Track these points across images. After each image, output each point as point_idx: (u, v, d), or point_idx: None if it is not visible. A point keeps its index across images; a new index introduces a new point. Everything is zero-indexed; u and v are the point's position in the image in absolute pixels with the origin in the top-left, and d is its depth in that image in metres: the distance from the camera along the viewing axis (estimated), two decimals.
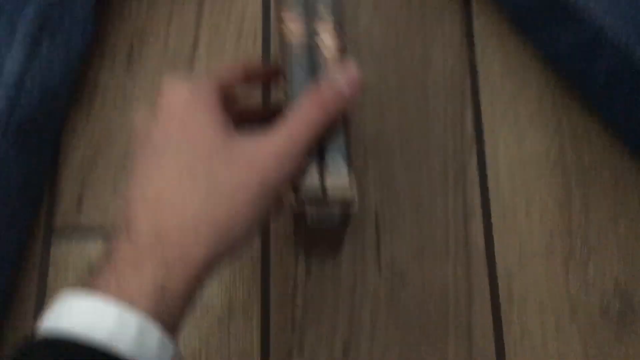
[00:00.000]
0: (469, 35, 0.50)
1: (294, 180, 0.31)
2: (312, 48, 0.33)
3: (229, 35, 0.51)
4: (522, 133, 0.48)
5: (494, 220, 0.46)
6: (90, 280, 0.27)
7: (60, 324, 0.25)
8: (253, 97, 0.48)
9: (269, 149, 0.29)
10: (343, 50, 0.33)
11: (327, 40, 0.33)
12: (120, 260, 0.27)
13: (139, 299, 0.26)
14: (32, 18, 0.43)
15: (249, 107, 0.39)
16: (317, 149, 0.32)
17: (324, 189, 0.31)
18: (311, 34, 0.33)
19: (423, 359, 0.43)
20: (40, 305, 0.44)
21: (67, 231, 0.45)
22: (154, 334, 0.26)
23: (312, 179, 0.31)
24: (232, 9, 0.51)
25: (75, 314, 0.25)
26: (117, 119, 0.49)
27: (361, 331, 0.43)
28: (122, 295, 0.26)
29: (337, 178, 0.31)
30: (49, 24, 0.44)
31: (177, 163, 0.28)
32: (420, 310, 0.44)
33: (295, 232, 0.45)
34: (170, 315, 0.27)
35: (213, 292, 0.44)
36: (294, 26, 0.33)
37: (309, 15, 0.33)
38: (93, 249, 0.45)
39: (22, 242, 0.44)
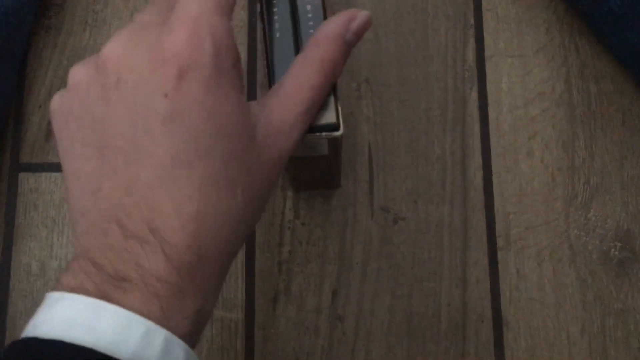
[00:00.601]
0: None
1: None
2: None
3: None
4: (527, 66, 0.44)
5: (493, 158, 0.43)
6: (103, 284, 0.22)
7: (85, 337, 0.21)
8: None
9: (283, 123, 0.25)
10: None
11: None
12: (152, 277, 0.22)
13: (180, 324, 0.22)
14: None
15: None
16: None
17: None
18: None
19: (414, 306, 0.41)
20: (8, 243, 0.41)
21: (34, 166, 0.42)
22: (180, 350, 0.23)
23: None
24: None
25: (101, 327, 0.21)
26: (87, 41, 0.44)
27: (351, 276, 0.41)
28: (163, 321, 0.22)
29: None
30: None
31: (211, 168, 0.23)
32: (413, 254, 0.42)
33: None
34: (198, 330, 0.24)
35: None
36: None
37: None
38: (64, 185, 0.42)
39: None
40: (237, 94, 0.24)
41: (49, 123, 0.43)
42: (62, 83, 0.43)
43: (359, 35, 0.27)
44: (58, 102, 0.26)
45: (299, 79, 0.26)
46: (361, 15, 0.27)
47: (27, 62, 0.44)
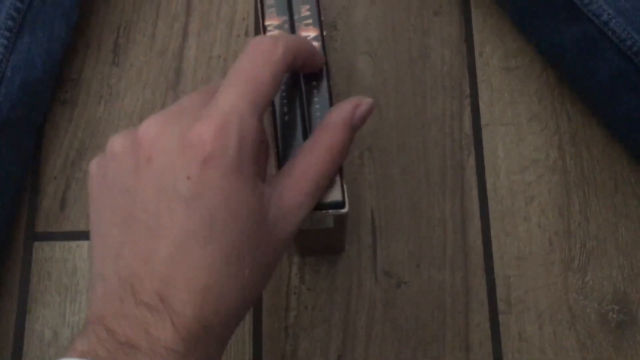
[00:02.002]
0: (467, 31, 0.48)
1: None
2: None
3: (220, 27, 0.49)
4: (522, 133, 0.46)
5: (492, 223, 0.45)
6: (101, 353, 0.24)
7: None
8: None
9: (293, 203, 0.27)
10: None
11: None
12: (161, 346, 0.24)
13: None
14: (13, 6, 0.41)
15: None
16: None
17: None
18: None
19: None
20: (22, 311, 0.42)
21: (49, 235, 0.43)
22: None
23: None
24: (222, 1, 0.49)
25: None
26: (102, 115, 0.47)
27: (356, 339, 0.42)
28: None
29: None
30: (31, 13, 0.42)
31: (223, 247, 0.25)
32: (417, 317, 0.43)
33: None
34: None
35: None
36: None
37: (291, 19, 0.32)
38: (77, 253, 0.43)
39: (1, 245, 0.42)
40: (254, 183, 0.26)
41: (64, 193, 0.44)
42: (78, 155, 0.45)
43: (363, 120, 0.29)
44: (95, 166, 0.28)
45: (309, 163, 0.28)
46: (366, 102, 0.29)
47: (43, 134, 0.46)
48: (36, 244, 0.43)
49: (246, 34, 0.48)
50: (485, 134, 0.46)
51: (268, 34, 0.32)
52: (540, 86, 0.47)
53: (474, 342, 0.42)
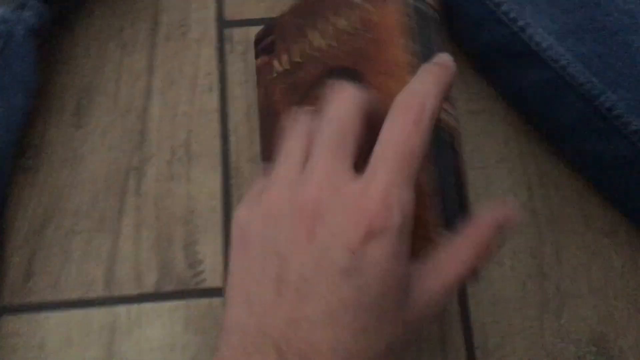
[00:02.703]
0: None
1: None
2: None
3: (183, 84, 0.48)
4: (490, 176, 0.46)
5: None
6: None
7: None
8: None
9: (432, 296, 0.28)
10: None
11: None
12: None
13: None
14: None
15: None
16: None
17: None
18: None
19: None
20: None
21: (15, 307, 0.42)
22: None
23: None
24: (185, 58, 0.49)
25: None
26: (66, 179, 0.46)
27: None
28: None
29: None
30: None
31: (371, 321, 0.26)
32: None
33: None
34: None
35: None
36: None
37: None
38: (45, 326, 0.42)
39: None
40: (408, 260, 0.27)
41: (30, 262, 0.44)
42: (42, 222, 0.45)
43: (510, 227, 0.31)
44: (245, 217, 0.29)
45: (456, 256, 0.29)
46: (514, 208, 0.31)
47: (6, 203, 0.45)
48: (2, 318, 0.42)
49: (210, 90, 0.48)
50: None
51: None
52: (506, 128, 0.47)
53: None
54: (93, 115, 0.47)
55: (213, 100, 0.48)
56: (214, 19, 0.50)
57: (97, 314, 0.43)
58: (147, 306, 0.43)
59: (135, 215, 0.45)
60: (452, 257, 0.29)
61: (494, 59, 0.45)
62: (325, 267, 0.26)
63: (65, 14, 0.48)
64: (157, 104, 0.48)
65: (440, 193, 0.32)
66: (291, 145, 0.29)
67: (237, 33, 0.49)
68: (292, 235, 0.27)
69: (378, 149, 0.27)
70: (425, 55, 0.34)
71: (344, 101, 0.29)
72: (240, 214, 0.29)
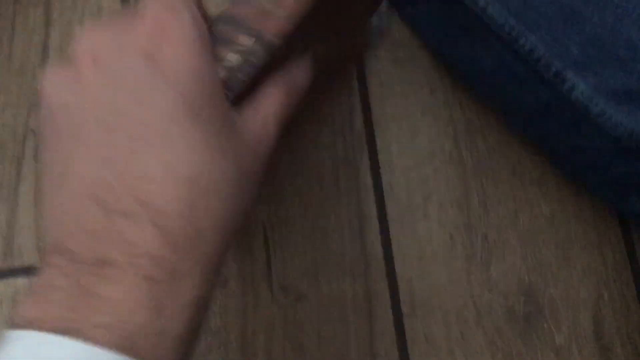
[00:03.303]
0: None
1: None
2: None
3: None
4: (415, 127, 0.44)
5: (390, 224, 0.43)
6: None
7: None
8: None
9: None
10: None
11: None
12: (143, 256, 0.20)
13: (177, 315, 0.19)
14: None
15: None
16: None
17: None
18: None
19: None
20: None
21: None
22: None
23: None
24: (85, 9, 0.45)
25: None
26: None
27: None
28: (156, 314, 0.19)
29: None
30: None
31: (206, 133, 0.22)
32: (318, 333, 0.40)
33: None
34: (196, 326, 0.21)
35: None
36: None
37: None
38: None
39: None
40: (214, 67, 0.24)
41: None
42: None
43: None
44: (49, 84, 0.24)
45: (269, 95, 0.28)
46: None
47: None
48: None
49: None
50: (377, 130, 0.44)
51: None
52: (431, 76, 0.45)
53: (379, 351, 0.40)
54: None
55: None
56: None
57: None
58: None
59: (34, 182, 0.41)
60: (265, 95, 0.28)
61: (413, 2, 0.43)
62: (123, 85, 0.22)
63: None
64: (54, 62, 0.44)
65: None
66: None
67: None
68: (75, 79, 0.23)
69: None
70: None
71: None
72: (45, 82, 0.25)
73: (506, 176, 0.44)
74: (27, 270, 0.40)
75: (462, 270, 0.42)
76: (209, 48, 0.24)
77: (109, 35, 0.23)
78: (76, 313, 0.19)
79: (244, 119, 0.26)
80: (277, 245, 0.42)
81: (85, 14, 0.45)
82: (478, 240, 0.42)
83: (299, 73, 0.31)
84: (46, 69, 0.24)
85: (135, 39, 0.22)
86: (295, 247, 0.42)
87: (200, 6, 0.25)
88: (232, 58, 0.25)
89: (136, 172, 0.21)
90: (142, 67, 0.22)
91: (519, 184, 0.44)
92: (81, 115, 0.22)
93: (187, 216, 0.20)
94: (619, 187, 0.39)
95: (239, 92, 0.26)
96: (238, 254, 0.41)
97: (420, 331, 0.41)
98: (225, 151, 0.22)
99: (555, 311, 0.41)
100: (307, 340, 0.40)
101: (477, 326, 0.41)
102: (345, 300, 0.41)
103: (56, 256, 0.20)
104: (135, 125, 0.21)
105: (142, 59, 0.22)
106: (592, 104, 0.36)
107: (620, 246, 0.42)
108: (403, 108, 0.45)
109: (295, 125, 0.44)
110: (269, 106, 0.27)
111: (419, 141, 0.44)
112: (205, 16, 0.25)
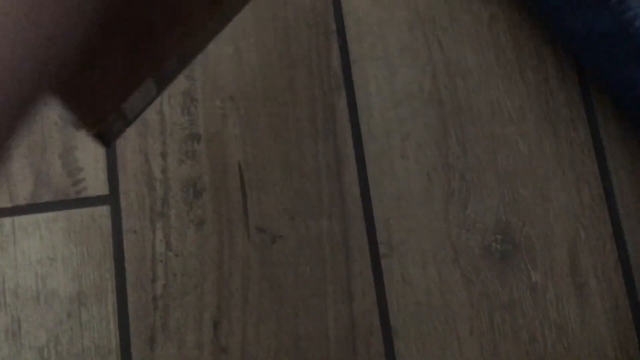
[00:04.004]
0: None
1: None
2: None
3: None
4: (393, 67, 0.44)
5: (368, 165, 0.42)
6: None
7: None
8: None
9: None
10: None
11: None
12: None
13: None
14: None
15: None
16: None
17: None
18: None
19: (301, 327, 0.39)
20: None
21: None
22: None
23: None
24: None
25: None
26: None
27: (232, 304, 0.39)
28: None
29: None
30: None
31: None
32: (295, 272, 0.40)
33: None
34: None
35: (58, 280, 0.39)
36: None
37: None
38: None
39: None
40: None
41: None
42: None
43: None
44: None
45: None
46: None
47: None
48: None
49: None
50: (355, 70, 0.43)
51: None
52: (410, 15, 0.44)
53: (356, 292, 0.40)
54: None
55: None
56: None
57: None
58: (23, 219, 0.39)
59: None
60: None
61: None
62: None
63: None
64: None
65: None
66: None
67: None
68: None
69: None
70: None
71: None
72: None
73: (485, 116, 0.43)
74: None
75: (440, 210, 0.42)
76: None
77: None
78: None
79: None
80: (253, 186, 0.41)
81: None
82: (456, 180, 0.42)
83: None
84: None
85: None
86: (272, 188, 0.41)
87: None
88: None
89: None
90: None
91: (497, 124, 0.43)
92: None
93: None
94: None
95: None
96: (214, 194, 0.40)
97: (398, 271, 0.41)
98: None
99: (531, 249, 0.41)
100: (284, 280, 0.40)
101: (454, 265, 0.41)
102: (322, 241, 0.41)
103: None
104: None
105: None
106: None
107: (598, 185, 0.42)
108: (381, 47, 0.44)
109: (269, 65, 0.43)
110: None
111: (397, 81, 0.43)
112: None
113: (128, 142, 0.41)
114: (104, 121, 0.26)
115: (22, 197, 0.40)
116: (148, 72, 0.27)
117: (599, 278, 0.41)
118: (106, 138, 0.28)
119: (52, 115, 0.41)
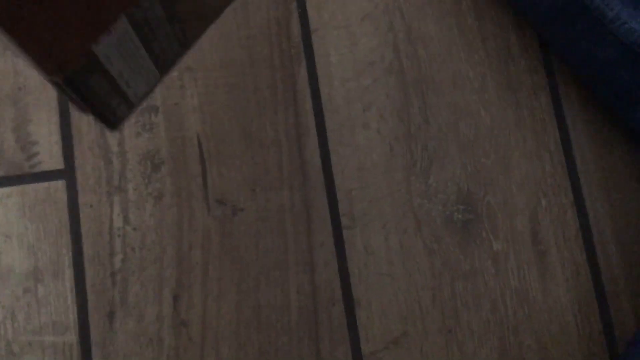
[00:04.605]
0: None
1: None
2: None
3: None
4: (354, 36, 0.43)
5: (329, 135, 0.42)
6: None
7: None
8: None
9: None
10: None
11: None
12: None
13: None
14: None
15: None
16: None
17: None
18: None
19: (262, 299, 0.39)
20: None
21: None
22: None
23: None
24: None
25: None
26: None
27: (192, 277, 0.39)
28: None
29: None
30: None
31: None
32: (256, 245, 0.40)
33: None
34: None
35: (13, 256, 0.38)
36: None
37: None
38: None
39: None
40: None
41: None
42: None
43: None
44: None
45: None
46: None
47: None
48: None
49: None
50: (315, 40, 0.43)
51: None
52: None
53: (318, 263, 0.40)
54: None
55: None
56: None
57: None
58: None
59: None
60: None
61: None
62: None
63: None
64: None
65: None
66: None
67: None
68: None
69: None
70: None
71: None
72: None
73: (446, 86, 0.43)
74: None
75: (402, 181, 0.41)
76: None
77: None
78: None
79: None
80: (212, 158, 0.40)
81: None
82: (418, 150, 0.42)
83: None
84: None
85: None
86: (232, 160, 0.41)
87: None
88: None
89: None
90: None
91: (459, 93, 0.43)
92: None
93: None
94: (627, 98, 0.39)
95: None
96: (172, 167, 0.40)
97: (360, 242, 0.41)
98: None
99: (493, 218, 0.41)
100: (245, 253, 0.40)
101: (416, 235, 0.41)
102: (283, 212, 0.40)
103: None
104: None
105: None
106: (608, 9, 0.35)
107: (559, 153, 0.42)
108: (342, 16, 0.43)
109: (227, 34, 0.42)
110: None
111: (359, 50, 0.43)
112: None
113: (83, 114, 0.40)
114: (69, 65, 0.21)
115: None
116: (120, 6, 0.22)
117: (559, 246, 0.41)
118: (110, 121, 0.26)
119: (4, 87, 0.40)
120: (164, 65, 0.27)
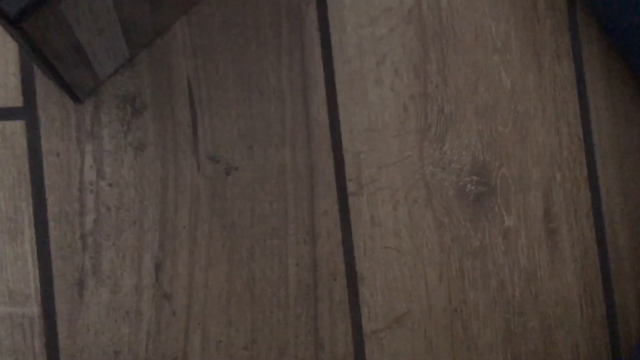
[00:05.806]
0: None
1: None
2: None
3: None
4: None
5: (338, 88, 0.37)
6: None
7: None
8: None
9: None
10: None
11: None
12: None
13: None
14: None
15: None
16: None
17: None
18: None
19: (257, 271, 0.35)
20: None
21: None
22: None
23: None
24: None
25: None
26: None
27: (178, 243, 0.34)
28: None
29: None
30: None
31: None
32: (252, 209, 0.35)
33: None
34: None
35: None
36: None
37: None
38: None
39: None
40: None
41: None
42: None
43: None
44: None
45: None
46: None
47: None
48: None
49: None
50: None
51: None
52: None
53: (321, 232, 0.36)
54: None
55: None
56: None
57: None
58: None
59: None
60: None
61: None
62: None
63: None
64: None
65: None
66: None
67: None
68: None
69: None
70: None
71: None
72: None
73: (468, 42, 0.39)
74: None
75: (415, 146, 0.37)
76: None
77: None
78: None
79: None
80: (204, 107, 0.35)
81: None
82: (434, 112, 0.38)
83: None
84: None
85: None
86: (227, 109, 0.35)
87: None
88: None
89: None
90: None
91: (480, 52, 0.39)
92: None
93: None
94: None
95: None
96: (157, 114, 0.34)
97: (366, 211, 0.36)
98: None
99: (506, 192, 0.38)
100: (239, 218, 0.35)
101: (426, 207, 0.37)
102: (283, 174, 0.36)
103: None
104: None
105: None
106: None
107: (577, 125, 0.40)
108: None
109: None
110: None
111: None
112: None
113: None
114: (31, 14, 0.21)
115: None
116: None
117: (571, 225, 0.39)
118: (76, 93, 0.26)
119: None
120: (136, 43, 0.26)
